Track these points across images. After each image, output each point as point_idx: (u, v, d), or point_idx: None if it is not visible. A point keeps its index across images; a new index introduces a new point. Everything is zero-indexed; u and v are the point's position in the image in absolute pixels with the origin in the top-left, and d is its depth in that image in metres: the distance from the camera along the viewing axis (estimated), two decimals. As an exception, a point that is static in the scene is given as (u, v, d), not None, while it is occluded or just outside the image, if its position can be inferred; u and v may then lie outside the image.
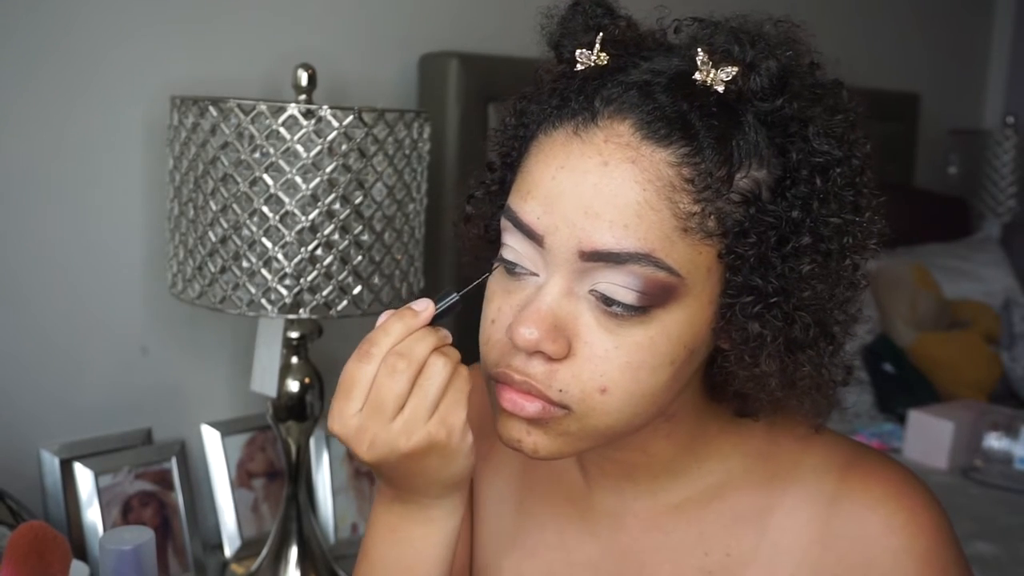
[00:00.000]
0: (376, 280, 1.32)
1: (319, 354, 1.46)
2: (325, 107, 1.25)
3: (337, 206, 1.27)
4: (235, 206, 1.26)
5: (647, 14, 0.73)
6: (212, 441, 1.60)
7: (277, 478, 1.65)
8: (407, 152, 1.33)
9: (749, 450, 0.77)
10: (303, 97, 1.34)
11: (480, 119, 1.77)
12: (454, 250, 1.74)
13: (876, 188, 0.69)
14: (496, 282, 0.70)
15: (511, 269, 0.68)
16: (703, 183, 0.63)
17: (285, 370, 1.42)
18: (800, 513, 0.74)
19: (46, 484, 1.44)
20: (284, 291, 1.27)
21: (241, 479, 1.62)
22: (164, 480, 1.52)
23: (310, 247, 1.27)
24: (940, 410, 2.04)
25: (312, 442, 1.65)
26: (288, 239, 1.26)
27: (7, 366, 1.42)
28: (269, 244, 1.26)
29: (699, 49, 0.65)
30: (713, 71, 0.65)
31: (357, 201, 1.28)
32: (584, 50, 0.70)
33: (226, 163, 1.26)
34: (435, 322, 0.68)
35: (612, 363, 0.65)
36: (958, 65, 3.24)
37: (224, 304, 1.29)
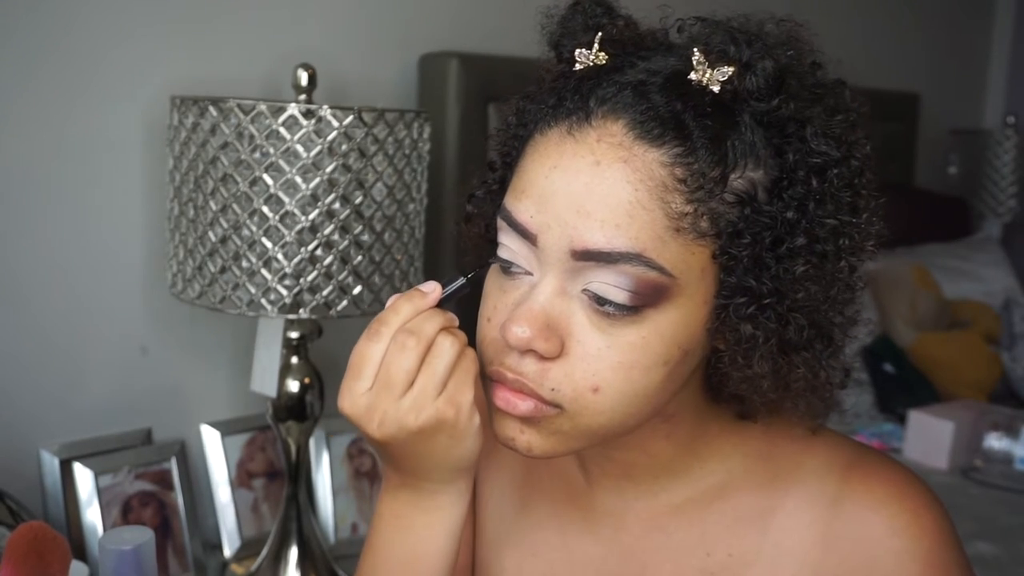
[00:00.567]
0: (376, 280, 1.33)
1: (319, 354, 1.46)
2: (325, 107, 1.25)
3: (337, 206, 1.27)
4: (235, 206, 1.26)
5: (648, 13, 0.73)
6: (212, 441, 1.60)
7: (277, 478, 1.65)
8: (407, 152, 1.33)
9: (750, 451, 0.76)
10: (303, 97, 1.34)
11: (480, 119, 1.77)
12: (454, 250, 1.73)
13: (875, 189, 0.69)
14: (492, 281, 0.71)
15: (507, 268, 0.69)
16: (696, 183, 0.63)
17: (285, 370, 1.42)
18: (802, 514, 0.74)
19: (46, 484, 1.44)
20: (284, 291, 1.27)
21: (241, 479, 1.62)
22: (164, 480, 1.52)
23: (310, 247, 1.27)
24: (940, 410, 2.03)
25: (312, 442, 1.65)
26: (288, 239, 1.26)
27: (7, 366, 1.42)
28: (269, 244, 1.26)
29: (695, 49, 0.65)
30: (709, 71, 0.65)
31: (357, 201, 1.28)
32: (583, 50, 0.70)
33: (226, 163, 1.26)
34: (442, 306, 0.69)
35: (604, 362, 0.65)
36: (958, 65, 3.24)
37: (224, 304, 1.29)
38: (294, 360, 1.43)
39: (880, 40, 2.80)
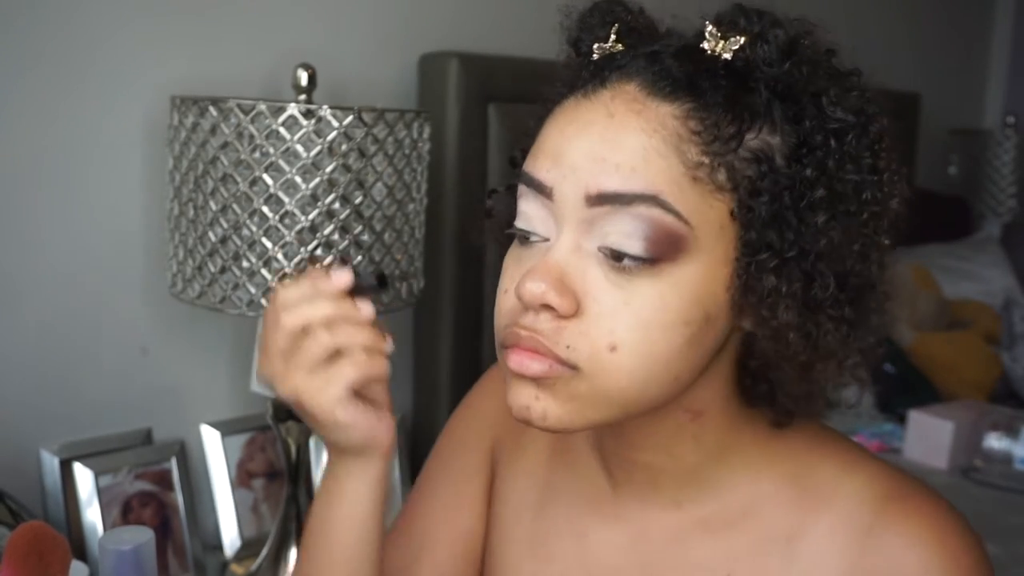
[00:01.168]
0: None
1: (319, 354, 1.46)
2: (325, 107, 1.25)
3: (337, 206, 1.27)
4: (235, 206, 1.26)
5: (660, 15, 0.74)
6: (212, 441, 1.60)
7: (277, 478, 1.65)
8: (407, 152, 1.33)
9: (784, 470, 0.74)
10: (303, 97, 1.34)
11: (480, 119, 1.77)
12: (454, 250, 1.74)
13: (896, 157, 0.69)
14: (510, 255, 0.71)
15: (524, 238, 0.69)
16: (711, 135, 0.63)
17: (285, 370, 1.42)
18: (833, 541, 0.70)
19: (46, 484, 1.44)
20: (284, 291, 1.27)
21: (241, 479, 1.62)
22: (164, 480, 1.52)
23: (310, 247, 1.27)
24: (940, 410, 2.03)
25: (312, 442, 1.65)
26: (288, 239, 1.26)
27: (7, 366, 1.42)
28: (269, 244, 1.26)
29: (707, 22, 0.67)
30: (722, 41, 0.66)
31: (357, 201, 1.28)
32: (601, 44, 0.71)
33: (226, 163, 1.26)
34: (362, 296, 0.72)
35: (621, 320, 0.64)
36: (958, 65, 3.24)
37: (224, 304, 1.29)
38: (294, 360, 1.43)
39: (880, 40, 2.79)
